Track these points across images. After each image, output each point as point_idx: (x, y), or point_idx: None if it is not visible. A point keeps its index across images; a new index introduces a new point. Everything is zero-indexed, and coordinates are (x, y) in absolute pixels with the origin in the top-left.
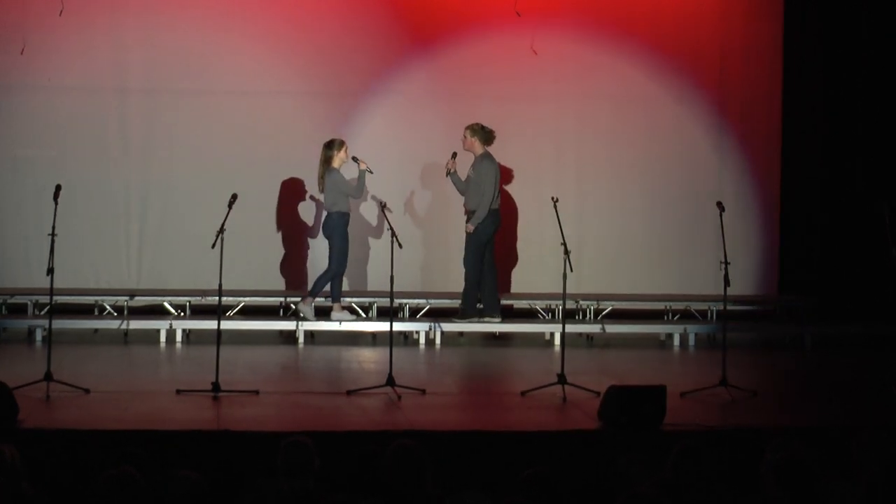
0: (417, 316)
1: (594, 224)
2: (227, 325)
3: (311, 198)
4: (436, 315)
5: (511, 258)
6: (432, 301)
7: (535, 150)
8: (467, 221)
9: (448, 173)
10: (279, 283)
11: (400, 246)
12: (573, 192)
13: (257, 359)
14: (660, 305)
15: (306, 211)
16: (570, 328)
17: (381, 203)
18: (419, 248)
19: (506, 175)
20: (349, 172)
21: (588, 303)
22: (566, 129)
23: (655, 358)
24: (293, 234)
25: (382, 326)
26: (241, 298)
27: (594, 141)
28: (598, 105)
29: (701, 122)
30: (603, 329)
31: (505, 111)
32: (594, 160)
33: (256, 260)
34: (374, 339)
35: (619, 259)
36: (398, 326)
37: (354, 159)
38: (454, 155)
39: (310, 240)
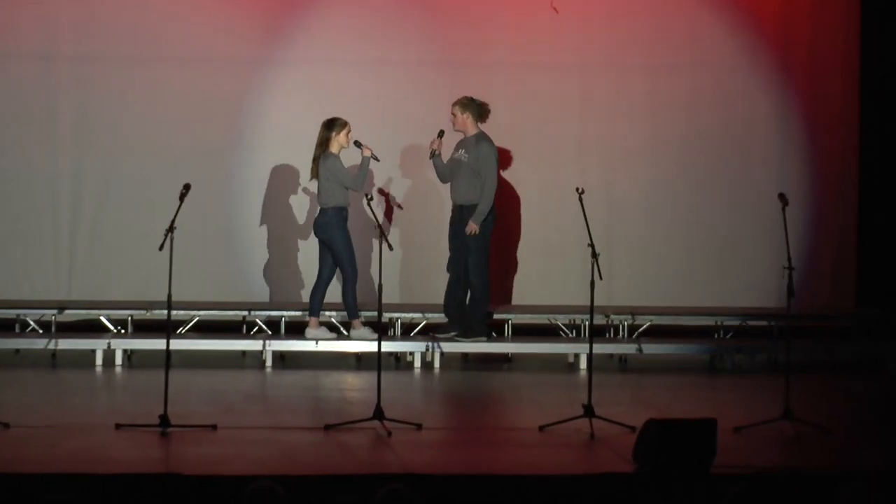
0: (412, 333)
1: (626, 221)
2: (178, 344)
3: (305, 191)
4: (434, 330)
5: (508, 262)
6: (430, 315)
7: (551, 129)
8: (456, 218)
9: (432, 155)
10: (243, 294)
11: (390, 248)
12: (599, 180)
13: (215, 386)
14: (708, 320)
15: (298, 207)
16: (599, 348)
17: (366, 194)
18: (397, 248)
19: (501, 158)
20: (349, 160)
21: (621, 317)
22: (590, 103)
23: (704, 384)
24: (281, 234)
25: (368, 346)
26: (196, 312)
27: (626, 119)
28: (630, 76)
29: (759, 97)
30: (639, 349)
31: (514, 81)
32: (625, 142)
33: (216, 265)
34: (358, 361)
35: (657, 264)
36: (388, 346)
37: (357, 144)
38: (441, 133)
39: (300, 241)
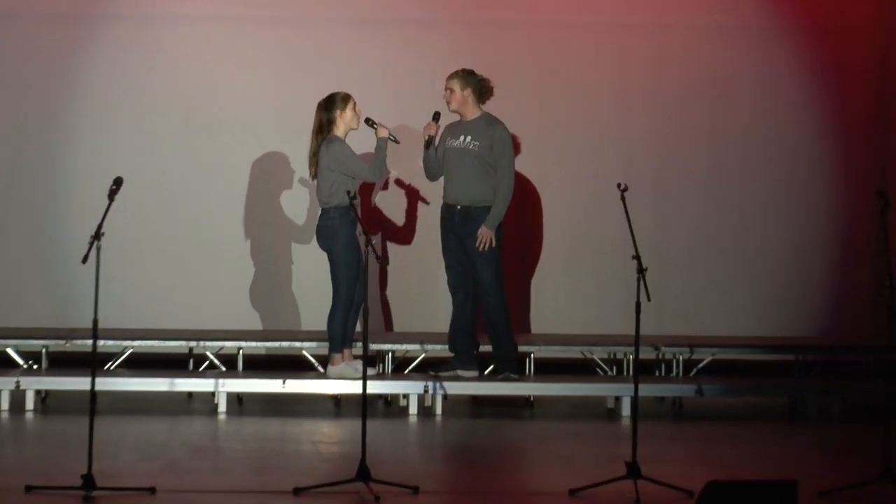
0: (407, 370)
1: (680, 227)
2: (106, 383)
3: (302, 182)
4: (434, 368)
5: (526, 279)
6: (430, 347)
7: (581, 107)
8: (457, 223)
9: (428, 144)
10: (191, 318)
11: (378, 259)
12: (646, 174)
13: (154, 437)
14: (786, 355)
15: (294, 206)
16: (647, 389)
17: (348, 190)
18: (389, 260)
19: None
20: (361, 144)
21: (675, 350)
22: (634, 74)
23: (781, 435)
24: (271, 243)
25: (350, 386)
26: (129, 342)
27: (681, 94)
28: (686, 37)
29: (854, 71)
30: (699, 391)
31: (532, 43)
32: (681, 125)
33: (161, 282)
34: (337, 405)
35: (718, 283)
36: (375, 386)
37: (369, 123)
38: (437, 116)
39: (295, 248)
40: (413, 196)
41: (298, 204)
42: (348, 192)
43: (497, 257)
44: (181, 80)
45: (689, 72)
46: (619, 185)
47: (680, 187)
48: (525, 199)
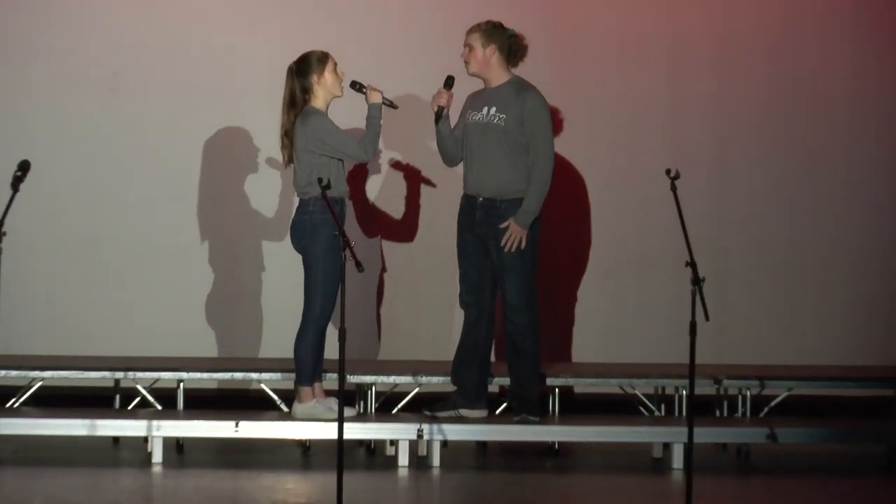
0: (395, 410)
1: (746, 228)
2: (7, 424)
3: (269, 162)
4: (429, 405)
5: (555, 293)
6: (426, 380)
7: (625, 77)
8: (479, 220)
9: (439, 116)
10: (124, 344)
11: (358, 267)
12: (704, 162)
13: (71, 495)
14: (884, 389)
15: (263, 196)
16: (705, 434)
17: (319, 178)
18: (373, 269)
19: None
20: (347, 116)
21: (740, 384)
22: (688, 42)
23: (875, 494)
24: (235, 243)
25: (323, 429)
26: (38, 374)
27: (742, 64)
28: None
29: None
30: (771, 436)
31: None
32: (744, 103)
33: (80, 297)
34: (305, 452)
35: (796, 299)
36: (355, 430)
37: (356, 87)
38: (450, 81)
39: (268, 251)
40: (413, 179)
41: (268, 192)
42: (319, 181)
43: (528, 264)
44: (105, 35)
45: (756, 38)
46: (668, 172)
47: (746, 179)
48: (568, 189)
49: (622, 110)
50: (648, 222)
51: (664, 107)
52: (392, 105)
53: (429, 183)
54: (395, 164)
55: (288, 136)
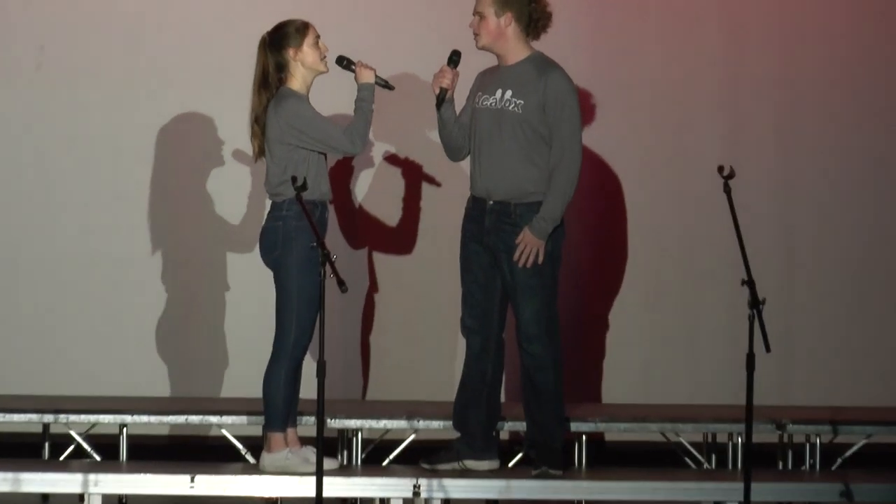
0: (386, 462)
1: (814, 235)
2: None
3: (236, 155)
4: (427, 455)
5: (583, 320)
6: (423, 425)
7: (672, 61)
8: (489, 227)
9: (441, 100)
10: (54, 381)
11: (341, 287)
12: (765, 161)
13: None
14: None
15: (228, 197)
16: (765, 490)
17: (293, 177)
18: (359, 288)
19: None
20: (331, 102)
21: (807, 429)
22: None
23: None
24: (193, 255)
25: (297, 484)
26: None
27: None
28: None
29: None
30: (845, 493)
31: None
32: (813, 93)
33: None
34: None
35: (874, 329)
36: (337, 486)
37: (343, 63)
38: (455, 58)
39: (233, 265)
40: (414, 176)
41: (234, 193)
42: (293, 180)
43: (548, 283)
44: (27, 2)
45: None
46: (720, 170)
47: (815, 178)
48: (598, 191)
49: (665, 94)
50: (697, 231)
51: (717, 90)
52: (387, 85)
53: (432, 181)
54: (391, 159)
55: (259, 122)
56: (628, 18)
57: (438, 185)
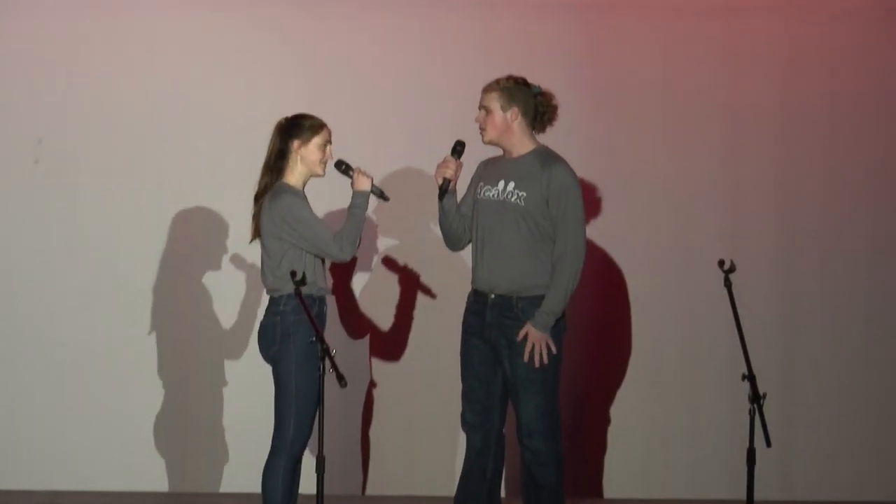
0: None
1: (816, 329)
2: None
3: (234, 260)
4: None
5: (580, 410)
6: None
7: (663, 131)
8: (490, 322)
9: (443, 192)
10: (43, 477)
11: (340, 382)
12: (760, 250)
13: None
14: None
15: (227, 291)
16: None
17: (292, 272)
18: (358, 382)
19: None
20: (324, 199)
21: None
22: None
23: None
24: (190, 353)
25: None
26: None
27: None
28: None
29: None
30: None
31: (598, 34)
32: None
33: None
34: None
35: (882, 418)
36: None
37: (342, 167)
38: (459, 149)
39: (228, 354)
40: (409, 285)
41: (232, 287)
42: (293, 275)
43: (549, 377)
44: (27, 95)
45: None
46: (721, 264)
47: (817, 271)
48: (601, 284)
49: (668, 188)
50: (698, 325)
51: (719, 185)
52: (383, 196)
53: (428, 293)
54: (388, 263)
55: (257, 215)
56: (631, 112)
57: (434, 297)
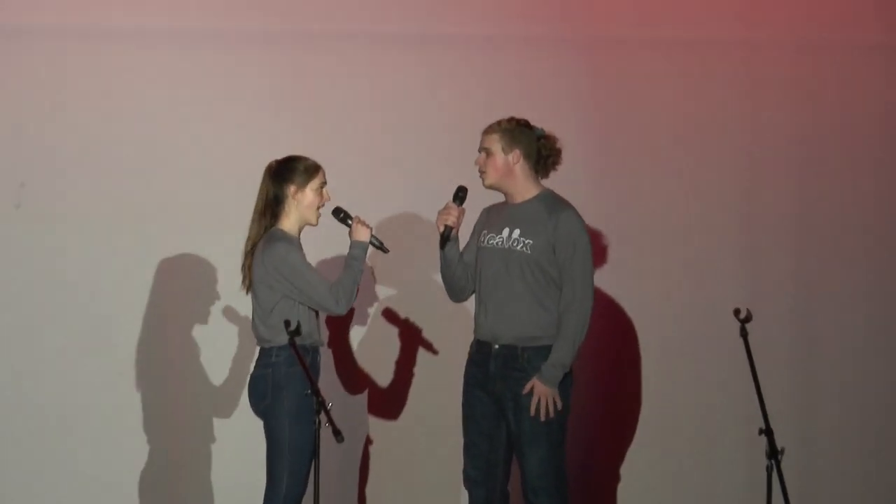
0: None
1: (837, 381)
2: None
3: (227, 313)
4: None
5: (593, 467)
6: None
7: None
8: (494, 373)
9: (446, 239)
10: None
11: (337, 437)
12: (778, 297)
13: None
14: None
15: (216, 341)
16: None
17: (286, 321)
18: (356, 436)
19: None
20: (319, 246)
21: None
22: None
23: None
24: (177, 407)
25: None
26: None
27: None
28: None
29: None
30: None
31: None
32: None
33: None
34: None
35: None
36: None
37: (340, 216)
38: (461, 195)
39: (217, 408)
40: (409, 339)
41: (223, 337)
42: (286, 324)
43: (556, 432)
44: (8, 137)
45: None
46: (737, 313)
47: (837, 320)
48: (609, 334)
49: (681, 233)
50: (712, 376)
51: (734, 231)
52: (382, 247)
53: (430, 348)
54: (389, 315)
55: (247, 267)
56: (640, 157)
57: (436, 353)
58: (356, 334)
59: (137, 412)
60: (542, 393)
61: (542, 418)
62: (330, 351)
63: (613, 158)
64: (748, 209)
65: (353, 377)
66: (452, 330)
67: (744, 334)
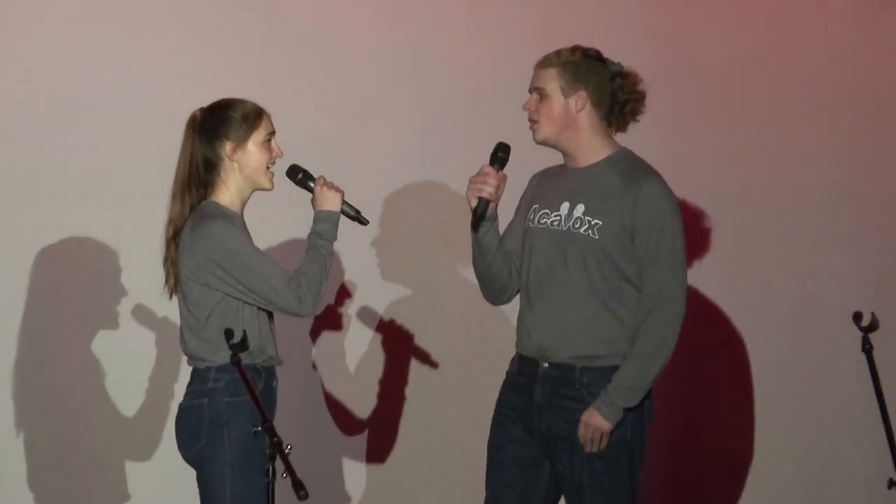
0: None
1: None
2: None
3: (137, 314)
4: None
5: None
6: None
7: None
8: (541, 403)
9: (481, 217)
10: None
11: (300, 493)
12: None
13: None
14: None
15: (130, 365)
16: None
17: (230, 337)
18: (327, 495)
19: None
20: (271, 226)
21: None
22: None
23: None
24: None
25: None
26: None
27: None
28: None
29: None
30: None
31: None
32: None
33: None
34: None
35: None
36: None
37: (298, 177)
38: (501, 156)
39: (127, 452)
40: (398, 349)
41: (135, 355)
42: (227, 334)
43: (623, 484)
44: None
45: None
46: (857, 319)
47: None
48: (706, 349)
49: (787, 215)
50: (825, 406)
51: (853, 210)
52: (359, 218)
53: (428, 361)
54: (385, 324)
55: (170, 260)
56: (735, 109)
57: (436, 366)
58: (353, 349)
59: (20, 462)
60: (591, 423)
61: (596, 453)
62: (318, 373)
63: (699, 112)
64: (867, 175)
65: (348, 412)
66: (480, 342)
67: (867, 348)
